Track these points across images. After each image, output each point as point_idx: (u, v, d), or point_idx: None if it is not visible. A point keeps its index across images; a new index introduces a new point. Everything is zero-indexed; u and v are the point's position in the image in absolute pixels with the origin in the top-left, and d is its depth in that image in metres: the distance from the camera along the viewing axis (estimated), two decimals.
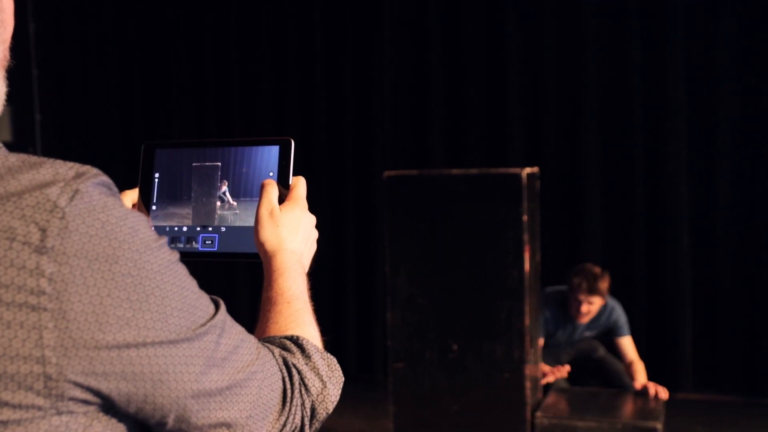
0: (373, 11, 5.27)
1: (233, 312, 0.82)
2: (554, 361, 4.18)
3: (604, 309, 4.10)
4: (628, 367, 4.04)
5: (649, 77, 4.80)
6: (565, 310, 4.09)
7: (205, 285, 0.79)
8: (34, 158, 0.69)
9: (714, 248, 4.76)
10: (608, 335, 4.16)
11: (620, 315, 4.11)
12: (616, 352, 4.14)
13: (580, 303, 3.99)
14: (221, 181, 1.10)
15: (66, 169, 0.68)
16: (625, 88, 4.83)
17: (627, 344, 4.09)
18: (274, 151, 1.09)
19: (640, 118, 4.82)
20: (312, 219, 1.08)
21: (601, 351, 4.26)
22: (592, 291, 3.95)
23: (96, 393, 0.68)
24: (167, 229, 1.11)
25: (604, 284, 3.98)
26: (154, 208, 1.12)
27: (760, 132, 4.62)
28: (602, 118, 4.88)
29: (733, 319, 4.74)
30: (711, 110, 4.71)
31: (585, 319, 4.06)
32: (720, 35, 4.64)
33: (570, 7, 4.90)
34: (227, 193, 1.10)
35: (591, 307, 4.00)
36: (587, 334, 4.18)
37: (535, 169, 3.56)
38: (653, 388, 3.78)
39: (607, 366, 4.18)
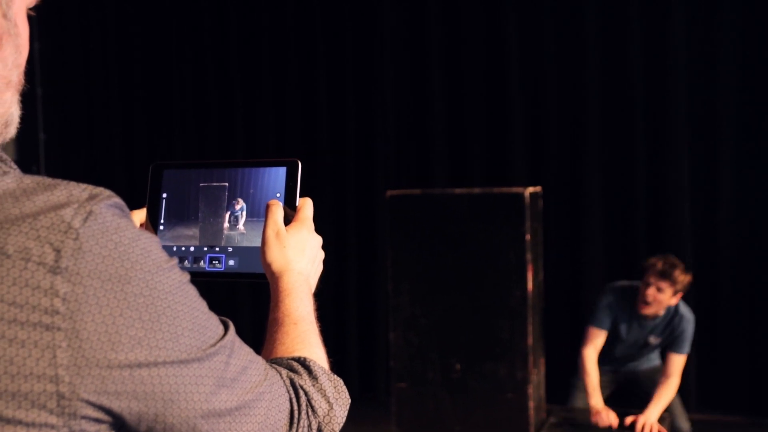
0: (374, 30, 5.30)
1: (237, 332, 0.83)
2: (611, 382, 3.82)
3: (675, 313, 3.59)
4: (661, 382, 3.59)
5: (652, 96, 4.82)
6: (633, 304, 3.59)
7: (209, 305, 0.79)
8: (48, 180, 0.70)
9: (717, 267, 4.75)
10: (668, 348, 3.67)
11: (687, 328, 3.58)
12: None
13: (648, 286, 3.47)
14: (236, 199, 1.11)
15: (80, 190, 0.70)
16: (627, 107, 4.85)
17: (676, 361, 3.58)
18: (281, 172, 1.10)
19: (642, 137, 4.84)
20: (318, 240, 1.09)
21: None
22: (665, 275, 3.41)
23: (108, 412, 0.69)
24: (174, 249, 1.12)
25: (681, 276, 3.44)
26: (161, 228, 1.13)
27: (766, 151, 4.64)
28: (604, 137, 4.90)
29: (738, 338, 4.72)
30: (715, 130, 4.72)
31: (649, 310, 3.51)
32: (721, 49, 4.67)
33: (571, 25, 4.93)
34: (243, 211, 1.11)
35: (659, 295, 3.46)
36: (653, 340, 3.67)
37: (538, 189, 3.57)
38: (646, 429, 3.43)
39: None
